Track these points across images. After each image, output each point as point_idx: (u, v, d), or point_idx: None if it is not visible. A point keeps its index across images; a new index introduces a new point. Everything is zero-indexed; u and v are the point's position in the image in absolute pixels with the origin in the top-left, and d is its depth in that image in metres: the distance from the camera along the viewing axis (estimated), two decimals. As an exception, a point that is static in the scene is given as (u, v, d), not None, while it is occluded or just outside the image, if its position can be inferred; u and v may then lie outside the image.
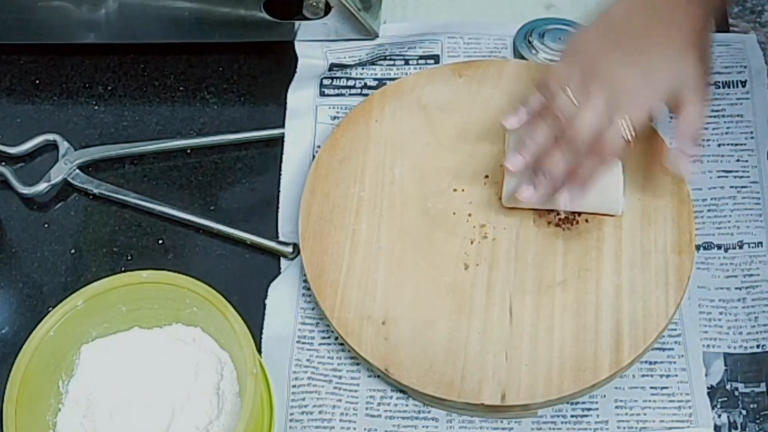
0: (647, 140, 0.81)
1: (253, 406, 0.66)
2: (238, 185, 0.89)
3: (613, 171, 0.79)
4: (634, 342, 0.74)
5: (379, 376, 0.77)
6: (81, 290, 0.72)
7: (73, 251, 0.86)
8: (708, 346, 0.77)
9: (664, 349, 0.77)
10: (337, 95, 0.91)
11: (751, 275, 0.80)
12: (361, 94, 0.91)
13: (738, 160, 0.85)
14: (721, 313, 0.79)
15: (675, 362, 0.77)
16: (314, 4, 0.91)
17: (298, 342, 0.79)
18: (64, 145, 0.90)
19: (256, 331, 0.78)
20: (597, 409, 0.75)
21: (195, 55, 0.96)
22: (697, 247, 0.80)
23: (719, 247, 0.82)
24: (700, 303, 0.79)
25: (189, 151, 0.91)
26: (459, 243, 0.80)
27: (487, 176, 0.83)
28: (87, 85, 0.95)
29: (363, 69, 0.93)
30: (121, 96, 0.94)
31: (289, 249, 0.83)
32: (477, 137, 0.85)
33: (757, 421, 0.75)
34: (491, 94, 0.87)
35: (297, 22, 0.93)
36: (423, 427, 0.76)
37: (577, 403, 0.76)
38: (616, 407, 0.75)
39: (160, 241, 0.86)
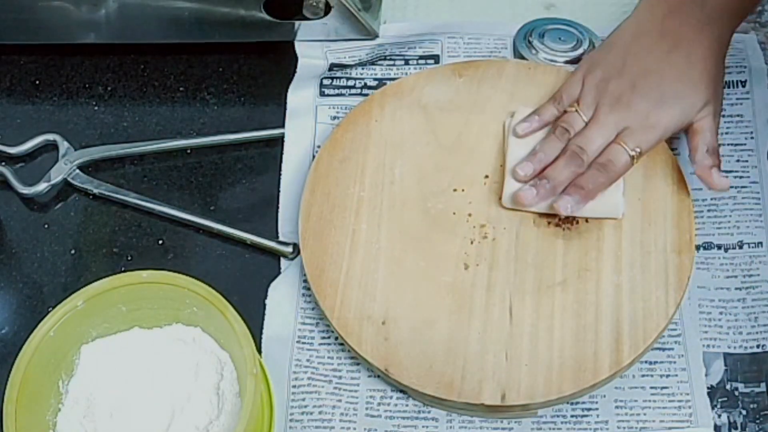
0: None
1: (253, 406, 0.66)
2: (238, 185, 0.89)
3: None
4: (634, 342, 0.74)
5: (379, 376, 0.77)
6: (81, 290, 0.72)
7: (73, 251, 0.86)
8: (708, 346, 0.77)
9: (664, 349, 0.77)
10: (337, 95, 0.91)
11: (751, 275, 0.80)
12: (361, 94, 0.91)
13: (738, 160, 0.85)
14: (721, 313, 0.79)
15: (675, 362, 0.77)
16: (314, 4, 0.91)
17: (298, 342, 0.79)
18: (64, 145, 0.90)
19: (256, 331, 0.78)
20: (597, 409, 0.75)
21: (195, 55, 0.96)
22: (697, 247, 0.80)
23: (719, 247, 0.82)
24: (700, 303, 0.79)
25: (189, 151, 0.91)
26: (459, 243, 0.80)
27: (487, 176, 0.83)
28: (87, 85, 0.95)
29: (363, 69, 0.93)
30: (121, 96, 0.94)
31: (289, 249, 0.83)
32: (477, 137, 0.85)
33: (757, 421, 0.75)
34: (491, 94, 0.87)
35: (297, 22, 0.93)
36: (423, 427, 0.76)
37: (577, 403, 0.76)
38: (616, 407, 0.75)
39: (160, 241, 0.86)
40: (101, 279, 0.73)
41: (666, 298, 0.76)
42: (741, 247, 0.81)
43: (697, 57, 0.79)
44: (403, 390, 0.76)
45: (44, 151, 0.91)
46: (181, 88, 0.95)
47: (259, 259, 0.84)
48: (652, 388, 0.76)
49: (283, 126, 0.90)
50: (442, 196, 0.83)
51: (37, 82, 0.96)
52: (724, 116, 0.88)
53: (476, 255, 0.79)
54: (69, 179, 0.88)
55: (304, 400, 0.77)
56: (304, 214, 0.82)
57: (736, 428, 0.75)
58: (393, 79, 0.91)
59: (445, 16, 0.97)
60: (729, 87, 0.89)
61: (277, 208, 0.86)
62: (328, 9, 0.92)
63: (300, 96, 0.91)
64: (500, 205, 0.81)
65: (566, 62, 0.91)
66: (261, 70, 0.95)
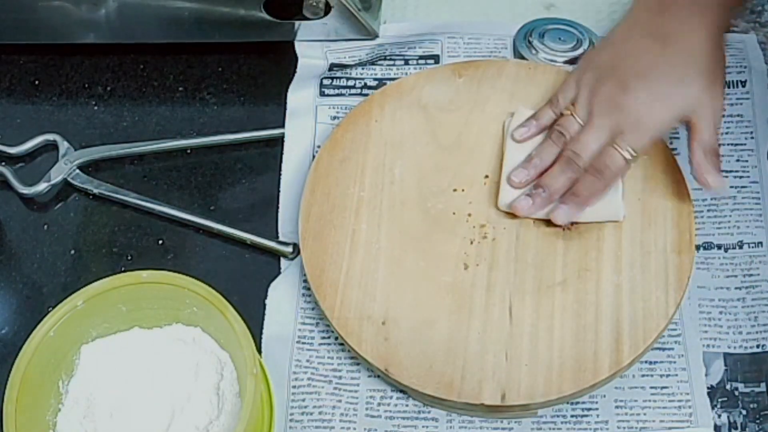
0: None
1: (253, 406, 0.66)
2: (238, 185, 0.89)
3: None
4: (634, 342, 0.74)
5: (379, 376, 0.77)
6: (81, 290, 0.72)
7: (72, 251, 0.86)
8: (708, 346, 0.77)
9: (664, 349, 0.77)
10: (337, 95, 0.91)
11: (751, 275, 0.80)
12: (361, 94, 0.91)
13: (738, 160, 0.85)
14: (721, 313, 0.79)
15: (675, 362, 0.77)
16: (314, 4, 0.91)
17: (298, 342, 0.79)
18: (64, 145, 0.90)
19: (256, 331, 0.78)
20: (597, 409, 0.75)
21: (195, 55, 0.96)
22: (697, 247, 0.80)
23: (719, 247, 0.82)
24: (700, 303, 0.79)
25: (189, 151, 0.91)
26: (459, 243, 0.80)
27: (487, 176, 0.83)
28: (87, 85, 0.95)
29: (363, 69, 0.93)
30: (120, 96, 0.94)
31: (289, 249, 0.83)
32: (477, 137, 0.85)
33: (757, 421, 0.75)
34: (491, 94, 0.87)
35: (297, 22, 0.93)
36: (423, 427, 0.76)
37: (577, 403, 0.76)
38: (616, 407, 0.75)
39: (160, 241, 0.86)
40: (101, 279, 0.73)
41: (666, 298, 0.76)
42: (741, 247, 0.81)
43: (691, 55, 0.78)
44: (403, 390, 0.76)
45: (44, 151, 0.91)
46: (180, 88, 0.95)
47: (259, 259, 0.84)
48: (652, 388, 0.76)
49: (283, 126, 0.90)
50: (442, 196, 0.83)
51: (37, 82, 0.96)
52: (723, 116, 0.87)
53: (476, 255, 0.79)
54: (69, 179, 0.88)
55: (304, 400, 0.77)
56: (304, 214, 0.82)
57: (736, 428, 0.75)
58: (393, 79, 0.91)
59: (445, 16, 0.97)
60: (729, 87, 0.89)
61: (277, 208, 0.86)
62: (328, 9, 0.92)
63: (300, 96, 0.91)
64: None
65: (566, 62, 0.91)
66: (261, 70, 0.95)
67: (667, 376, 0.76)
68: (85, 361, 0.73)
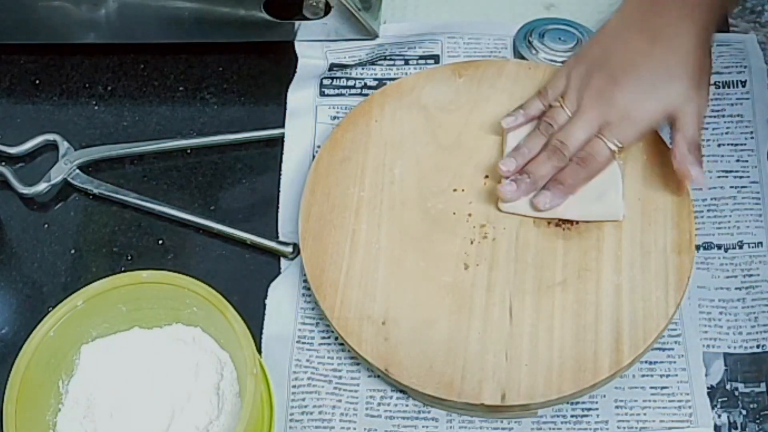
0: (645, 138, 0.82)
1: (253, 406, 0.66)
2: (238, 185, 0.89)
3: (611, 177, 0.80)
4: (634, 342, 0.74)
5: (379, 376, 0.77)
6: (81, 290, 0.72)
7: (73, 251, 0.86)
8: (708, 346, 0.77)
9: (664, 349, 0.77)
10: (337, 95, 0.91)
11: (751, 275, 0.80)
12: (361, 94, 0.91)
13: (738, 160, 0.85)
14: (721, 313, 0.79)
15: (675, 362, 0.77)
16: (314, 4, 0.91)
17: (298, 342, 0.79)
18: (64, 145, 0.90)
19: (256, 331, 0.78)
20: (597, 409, 0.75)
21: (195, 55, 0.96)
22: (697, 247, 0.80)
23: (719, 247, 0.82)
24: (700, 303, 0.79)
25: (189, 151, 0.91)
26: (459, 243, 0.80)
27: (487, 176, 0.83)
28: (87, 85, 0.95)
29: (363, 69, 0.93)
30: (121, 96, 0.94)
31: (289, 249, 0.83)
32: (477, 137, 0.85)
33: (757, 421, 0.75)
34: (491, 94, 0.87)
35: (297, 22, 0.93)
36: (423, 427, 0.76)
37: (577, 403, 0.75)
38: (616, 407, 0.75)
39: (160, 241, 0.86)
40: (101, 279, 0.73)
41: (666, 298, 0.76)
42: (741, 247, 0.81)
43: (679, 51, 0.79)
44: (403, 390, 0.76)
45: (44, 151, 0.91)
46: (181, 88, 0.95)
47: (259, 259, 0.84)
48: (652, 388, 0.76)
49: (283, 126, 0.90)
50: (442, 196, 0.83)
51: (37, 81, 0.96)
52: (723, 116, 0.88)
53: (476, 255, 0.79)
54: (69, 179, 0.88)
55: (304, 400, 0.77)
56: (304, 214, 0.82)
57: (736, 428, 0.74)
58: (393, 79, 0.91)
59: (445, 16, 0.97)
60: (729, 87, 0.89)
61: (277, 208, 0.86)
62: (328, 9, 0.92)
63: (300, 96, 0.91)
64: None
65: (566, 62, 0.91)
66: (261, 70, 0.95)
67: (667, 376, 0.76)
68: (85, 361, 0.73)
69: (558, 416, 0.75)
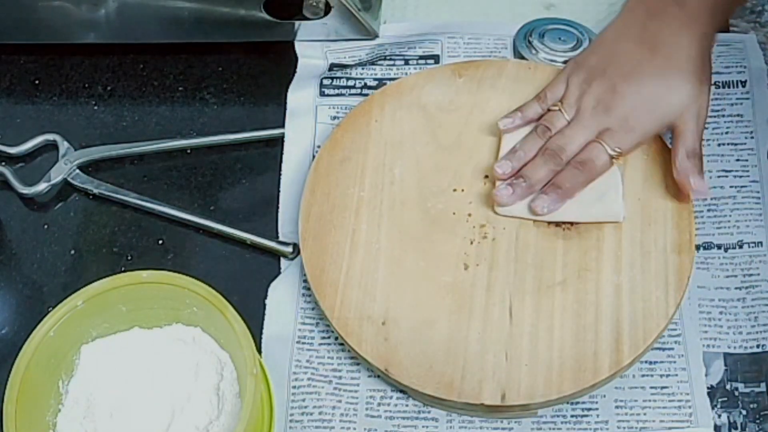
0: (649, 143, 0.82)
1: (253, 406, 0.66)
2: (238, 185, 0.89)
3: (611, 179, 0.80)
4: (634, 342, 0.74)
5: (379, 376, 0.77)
6: (81, 290, 0.72)
7: (72, 251, 0.86)
8: (708, 346, 0.77)
9: (664, 349, 0.77)
10: (337, 95, 0.91)
11: (751, 275, 0.80)
12: (361, 94, 0.91)
13: (738, 160, 0.85)
14: (721, 313, 0.79)
15: (675, 362, 0.77)
16: (314, 4, 0.91)
17: (298, 342, 0.79)
18: (64, 145, 0.90)
19: (256, 331, 0.78)
20: (597, 409, 0.75)
21: (195, 55, 0.96)
22: (697, 247, 0.80)
23: (719, 247, 0.82)
24: (700, 303, 0.79)
25: (189, 151, 0.91)
26: (459, 243, 0.80)
27: (487, 176, 0.83)
28: (87, 85, 0.95)
29: (363, 69, 0.93)
30: (121, 96, 0.94)
31: (289, 249, 0.83)
32: (477, 137, 0.85)
33: (757, 421, 0.75)
34: (491, 94, 0.87)
35: (297, 22, 0.93)
36: (423, 427, 0.76)
37: (577, 403, 0.76)
38: (616, 407, 0.75)
39: (160, 241, 0.86)
40: (101, 279, 0.72)
41: (666, 298, 0.76)
42: (741, 247, 0.81)
43: (678, 60, 0.79)
44: (403, 390, 0.76)
45: (44, 151, 0.91)
46: (180, 88, 0.95)
47: (259, 259, 0.84)
48: (652, 388, 0.76)
49: (283, 126, 0.90)
50: (442, 196, 0.83)
51: (37, 81, 0.96)
52: (724, 116, 0.88)
53: (476, 255, 0.79)
54: (69, 179, 0.88)
55: (304, 400, 0.77)
56: (304, 214, 0.82)
57: (736, 428, 0.75)
58: (393, 79, 0.91)
59: (445, 16, 0.97)
60: (729, 87, 0.89)
61: (277, 208, 0.86)
62: (328, 9, 0.92)
63: (300, 96, 0.91)
64: (500, 206, 0.81)
65: (566, 62, 0.90)
66: (261, 70, 0.95)
67: (667, 376, 0.76)
68: (85, 361, 0.73)
69: (558, 416, 0.75)
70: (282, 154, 0.88)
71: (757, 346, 0.77)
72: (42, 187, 0.88)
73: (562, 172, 0.79)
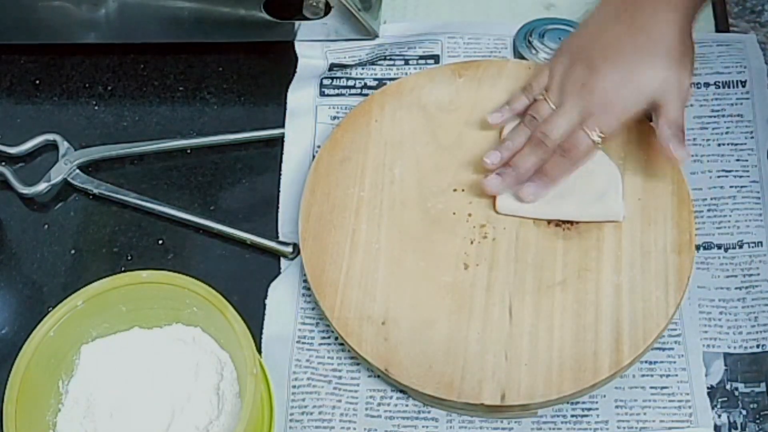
0: (644, 134, 0.82)
1: (253, 406, 0.66)
2: (238, 185, 0.89)
3: (611, 178, 0.80)
4: (634, 342, 0.74)
5: (379, 376, 0.77)
6: (81, 290, 0.72)
7: (72, 251, 0.86)
8: (708, 346, 0.77)
9: (664, 349, 0.77)
10: (337, 95, 0.91)
11: (751, 275, 0.80)
12: (361, 94, 0.91)
13: (738, 160, 0.85)
14: (721, 313, 0.79)
15: (675, 362, 0.77)
16: (314, 4, 0.91)
17: (298, 342, 0.79)
18: (64, 145, 0.90)
19: (256, 331, 0.78)
20: (597, 409, 0.75)
21: (195, 55, 0.96)
22: (697, 247, 0.80)
23: (719, 247, 0.82)
24: (700, 303, 0.79)
25: (189, 151, 0.91)
26: (459, 243, 0.80)
27: (486, 176, 0.83)
28: (87, 85, 0.95)
29: (363, 69, 0.93)
30: (121, 96, 0.94)
31: (289, 249, 0.83)
32: (477, 137, 0.85)
33: (757, 421, 0.75)
34: (491, 94, 0.87)
35: (297, 22, 0.93)
36: (423, 427, 0.76)
37: (577, 403, 0.75)
38: (616, 407, 0.75)
39: (160, 241, 0.86)
40: (101, 279, 0.73)
41: (666, 298, 0.76)
42: (741, 247, 0.81)
43: (657, 36, 0.79)
44: (403, 390, 0.76)
45: (44, 151, 0.91)
46: (180, 88, 0.95)
47: (259, 259, 0.84)
48: (652, 388, 0.76)
49: (283, 126, 0.90)
50: (442, 196, 0.83)
51: (37, 82, 0.96)
52: (724, 116, 0.88)
53: (476, 255, 0.79)
54: (69, 179, 0.88)
55: (304, 400, 0.77)
56: (304, 214, 0.82)
57: (736, 428, 0.74)
58: (393, 79, 0.91)
59: (445, 16, 0.97)
60: (729, 87, 0.89)
61: (277, 208, 0.86)
62: (328, 9, 0.92)
63: (300, 96, 0.91)
64: (500, 206, 0.81)
65: (565, 62, 0.91)
66: (261, 70, 0.95)
67: (667, 376, 0.76)
68: (85, 361, 0.73)
69: (558, 416, 0.75)
70: (282, 154, 0.88)
71: (757, 346, 0.77)
72: (42, 187, 0.88)
73: (548, 161, 0.80)
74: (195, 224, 0.86)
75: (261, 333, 0.79)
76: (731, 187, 0.84)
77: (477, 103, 0.87)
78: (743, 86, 0.89)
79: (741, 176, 0.84)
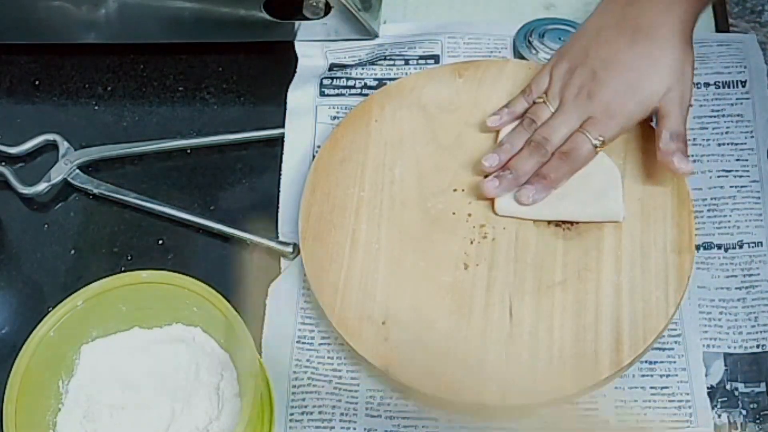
0: (645, 134, 0.82)
1: (253, 406, 0.66)
2: (238, 185, 0.89)
3: (611, 178, 0.80)
4: (634, 342, 0.74)
5: (379, 376, 0.77)
6: (81, 290, 0.72)
7: (73, 251, 0.86)
8: (708, 346, 0.77)
9: (664, 349, 0.77)
10: (337, 95, 0.91)
11: (751, 275, 0.80)
12: (361, 94, 0.91)
13: (738, 160, 0.85)
14: (721, 313, 0.79)
15: (675, 362, 0.77)
16: (314, 4, 0.91)
17: (298, 342, 0.79)
18: (64, 145, 0.90)
19: (256, 331, 0.77)
20: (597, 409, 0.75)
21: (195, 55, 0.96)
22: (697, 247, 0.80)
23: (719, 247, 0.82)
24: (700, 303, 0.79)
25: (189, 151, 0.91)
26: (459, 243, 0.80)
27: (486, 176, 0.83)
28: (87, 85, 0.95)
29: (363, 69, 0.93)
30: (121, 96, 0.94)
31: (289, 249, 0.83)
32: (477, 137, 0.85)
33: (757, 421, 0.75)
34: (491, 94, 0.87)
35: (297, 22, 0.93)
36: (423, 427, 0.76)
37: (577, 403, 0.75)
38: (616, 407, 0.75)
39: (160, 241, 0.86)
40: (101, 279, 0.73)
41: (666, 298, 0.76)
42: (741, 247, 0.81)
43: (658, 44, 0.79)
44: (403, 390, 0.76)
45: (44, 151, 0.91)
46: (180, 88, 0.95)
47: (259, 259, 0.84)
48: (652, 388, 0.76)
49: (283, 126, 0.90)
50: (442, 196, 0.83)
51: (37, 82, 0.96)
52: (724, 116, 0.88)
53: (476, 255, 0.79)
54: (69, 179, 0.88)
55: (304, 400, 0.77)
56: (304, 214, 0.82)
57: (736, 428, 0.74)
58: (393, 79, 0.91)
59: (445, 16, 0.97)
60: (729, 87, 0.89)
61: (277, 208, 0.86)
62: (328, 9, 0.92)
63: (300, 96, 0.91)
64: (500, 206, 0.81)
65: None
66: (261, 70, 0.95)
67: (667, 376, 0.76)
68: (85, 361, 0.73)
69: (558, 416, 0.75)
70: (282, 154, 0.88)
71: (757, 346, 0.77)
72: (42, 187, 0.88)
73: (547, 163, 0.80)
74: (195, 224, 0.86)
75: (261, 333, 0.79)
76: (731, 187, 0.84)
77: (477, 103, 0.87)
78: (743, 86, 0.89)
79: (741, 176, 0.84)
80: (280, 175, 0.87)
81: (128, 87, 0.95)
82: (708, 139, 0.86)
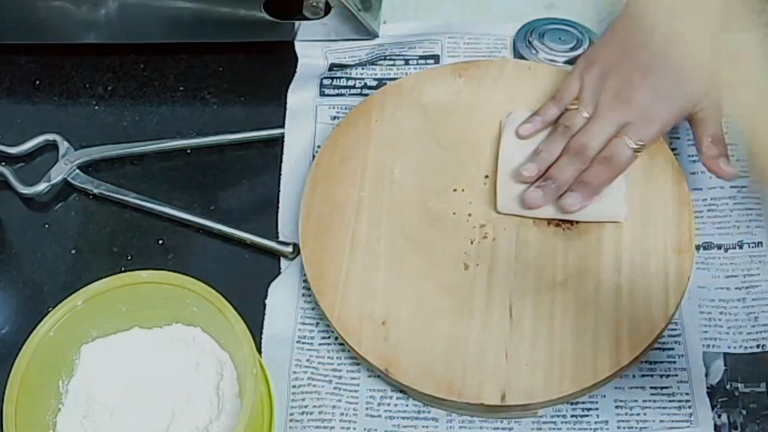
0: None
1: (253, 406, 0.66)
2: (238, 185, 0.89)
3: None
4: (634, 342, 0.74)
5: (379, 376, 0.77)
6: (81, 290, 0.72)
7: (73, 251, 0.86)
8: (708, 346, 0.77)
9: (664, 349, 0.77)
10: (337, 95, 0.92)
11: (751, 275, 0.80)
12: (361, 94, 0.91)
13: (738, 160, 0.85)
14: (721, 313, 0.79)
15: (675, 362, 0.77)
16: (314, 4, 0.91)
17: (298, 342, 0.79)
18: (64, 145, 0.90)
19: (256, 331, 0.77)
20: (597, 409, 0.75)
21: (195, 55, 0.96)
22: (697, 247, 0.80)
23: (719, 247, 0.82)
24: (700, 303, 0.79)
25: (189, 151, 0.91)
26: (459, 243, 0.80)
27: (487, 176, 0.83)
28: (87, 85, 0.95)
29: (363, 69, 0.93)
30: (121, 96, 0.94)
31: (289, 249, 0.83)
32: (477, 137, 0.85)
33: (757, 421, 0.75)
34: (491, 94, 0.87)
35: (297, 22, 0.93)
36: (423, 427, 0.76)
37: (577, 403, 0.75)
38: (616, 407, 0.75)
39: (160, 241, 0.86)
40: (101, 279, 0.72)
41: (666, 298, 0.76)
42: (741, 247, 0.81)
43: (695, 49, 0.78)
44: (403, 390, 0.76)
45: (44, 151, 0.91)
46: (181, 88, 0.95)
47: (259, 259, 0.84)
48: (652, 388, 0.76)
49: (283, 126, 0.90)
50: (442, 196, 0.83)
51: (37, 82, 0.96)
52: (724, 116, 0.88)
53: (476, 255, 0.79)
54: (69, 179, 0.88)
55: (304, 400, 0.77)
56: (304, 214, 0.82)
57: (736, 428, 0.74)
58: (393, 79, 0.91)
59: (445, 16, 0.97)
60: (729, 87, 0.89)
61: (277, 208, 0.86)
62: (328, 9, 0.92)
63: (300, 96, 0.91)
64: (500, 206, 0.81)
65: (566, 62, 0.91)
66: (261, 70, 0.95)
67: (667, 376, 0.76)
68: (85, 361, 0.73)
69: (558, 416, 0.75)
70: (282, 154, 0.88)
71: (757, 346, 0.77)
72: (42, 187, 0.88)
73: (588, 170, 0.79)
74: (195, 224, 0.86)
75: (261, 333, 0.79)
76: (731, 187, 0.84)
77: (477, 103, 0.87)
78: (743, 86, 0.89)
79: (741, 176, 0.84)
80: (280, 175, 0.87)
81: (128, 87, 0.95)
82: (708, 139, 0.86)
